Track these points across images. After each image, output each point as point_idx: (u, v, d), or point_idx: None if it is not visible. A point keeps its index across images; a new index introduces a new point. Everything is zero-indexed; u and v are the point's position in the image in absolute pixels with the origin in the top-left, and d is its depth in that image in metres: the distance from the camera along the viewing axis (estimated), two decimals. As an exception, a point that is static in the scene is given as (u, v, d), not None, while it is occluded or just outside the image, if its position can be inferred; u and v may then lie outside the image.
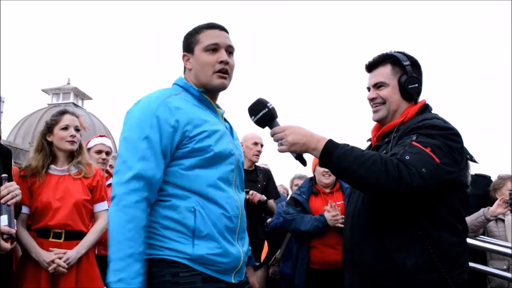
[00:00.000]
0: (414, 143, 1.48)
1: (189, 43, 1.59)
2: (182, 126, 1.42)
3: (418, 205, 1.48)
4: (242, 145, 3.09)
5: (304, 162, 1.62)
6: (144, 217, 1.35)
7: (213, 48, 1.54)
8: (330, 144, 1.50)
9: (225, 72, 1.54)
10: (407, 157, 1.42)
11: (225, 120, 1.65)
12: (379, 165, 1.40)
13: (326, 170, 3.23)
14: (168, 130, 1.41)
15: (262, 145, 3.61)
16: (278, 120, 1.59)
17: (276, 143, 1.58)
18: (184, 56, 1.62)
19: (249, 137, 3.57)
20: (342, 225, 2.92)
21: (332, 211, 3.00)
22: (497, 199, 3.70)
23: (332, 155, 1.47)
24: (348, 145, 1.50)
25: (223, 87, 1.57)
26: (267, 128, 1.61)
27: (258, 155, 3.58)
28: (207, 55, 1.54)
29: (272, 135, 1.57)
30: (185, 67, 1.63)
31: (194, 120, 1.45)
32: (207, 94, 1.57)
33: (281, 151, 1.55)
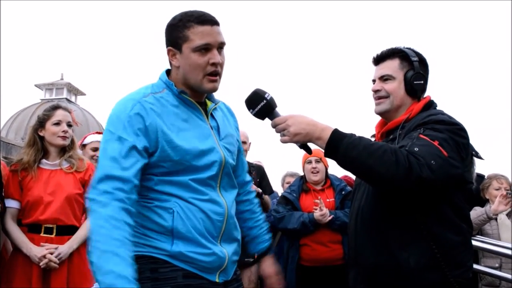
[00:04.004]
0: (421, 136, 1.43)
1: (176, 38, 1.40)
2: (153, 132, 1.34)
3: (422, 202, 1.46)
4: None
5: (309, 150, 1.55)
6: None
7: (205, 49, 1.38)
8: (337, 133, 1.41)
9: (216, 74, 1.41)
10: (416, 149, 1.37)
11: (212, 117, 1.52)
12: (389, 155, 1.34)
13: (314, 166, 3.26)
14: (141, 132, 1.33)
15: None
16: (278, 109, 1.49)
17: (279, 134, 1.49)
18: (169, 51, 1.44)
19: None
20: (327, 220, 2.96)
21: (319, 211, 3.00)
22: (486, 199, 3.62)
23: (340, 144, 1.39)
24: (355, 134, 1.45)
25: (214, 91, 1.47)
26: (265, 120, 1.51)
27: None
28: (198, 56, 1.38)
29: (274, 127, 1.48)
30: (170, 62, 1.47)
31: (168, 126, 1.37)
32: (194, 93, 1.47)
33: (283, 142, 1.47)
